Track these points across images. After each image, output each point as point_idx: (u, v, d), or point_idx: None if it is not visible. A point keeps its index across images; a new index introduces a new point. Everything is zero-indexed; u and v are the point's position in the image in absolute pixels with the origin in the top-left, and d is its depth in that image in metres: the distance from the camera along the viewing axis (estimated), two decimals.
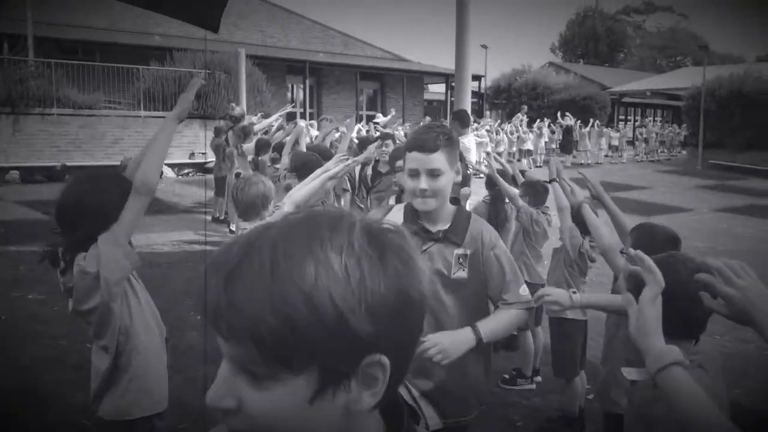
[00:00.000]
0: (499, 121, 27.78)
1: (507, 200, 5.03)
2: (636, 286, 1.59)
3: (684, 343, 1.78)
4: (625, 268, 2.79)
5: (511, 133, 22.64)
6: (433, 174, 2.24)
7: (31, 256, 8.06)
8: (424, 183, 2.24)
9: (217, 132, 11.26)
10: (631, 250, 1.65)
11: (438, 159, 2.24)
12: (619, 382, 2.58)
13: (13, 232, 9.40)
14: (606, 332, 3.29)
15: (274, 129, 9.33)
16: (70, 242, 2.29)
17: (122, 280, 2.33)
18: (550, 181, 3.76)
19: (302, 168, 4.40)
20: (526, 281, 4.86)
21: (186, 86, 2.58)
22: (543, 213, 4.76)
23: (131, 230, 2.34)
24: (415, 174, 2.27)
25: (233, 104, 12.24)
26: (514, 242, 4.92)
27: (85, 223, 2.27)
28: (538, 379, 4.85)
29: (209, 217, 11.20)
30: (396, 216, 2.45)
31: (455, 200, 2.51)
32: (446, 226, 2.36)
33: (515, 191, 4.80)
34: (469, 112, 7.65)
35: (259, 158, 7.56)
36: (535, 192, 4.71)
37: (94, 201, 2.30)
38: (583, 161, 24.62)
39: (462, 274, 2.32)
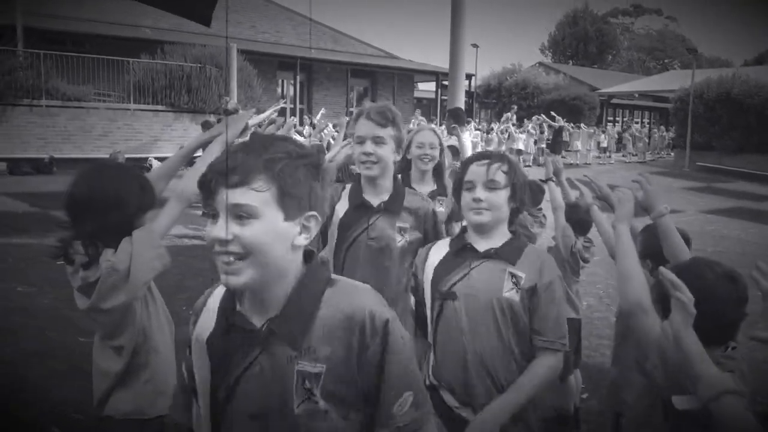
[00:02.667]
0: (484, 123, 27.88)
1: None
2: (660, 298, 1.58)
3: (714, 349, 1.75)
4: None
5: (502, 133, 22.71)
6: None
7: (19, 249, 8.02)
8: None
9: (206, 126, 11.21)
10: (662, 269, 1.62)
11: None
12: (630, 384, 2.56)
13: (1, 224, 9.30)
14: (616, 332, 3.28)
15: (266, 124, 9.28)
16: (88, 234, 2.18)
17: (150, 280, 2.29)
18: (546, 180, 3.76)
19: None
20: None
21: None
22: (533, 215, 4.73)
23: (165, 233, 2.33)
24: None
25: (227, 98, 12.19)
26: None
27: (102, 214, 2.18)
28: None
29: (200, 212, 11.15)
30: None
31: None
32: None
33: None
34: (463, 110, 7.66)
35: None
36: (531, 192, 4.67)
37: (111, 191, 2.22)
38: (572, 161, 24.73)
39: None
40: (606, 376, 3.70)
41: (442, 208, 3.35)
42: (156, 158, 15.02)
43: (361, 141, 2.63)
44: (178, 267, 7.64)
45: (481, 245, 2.16)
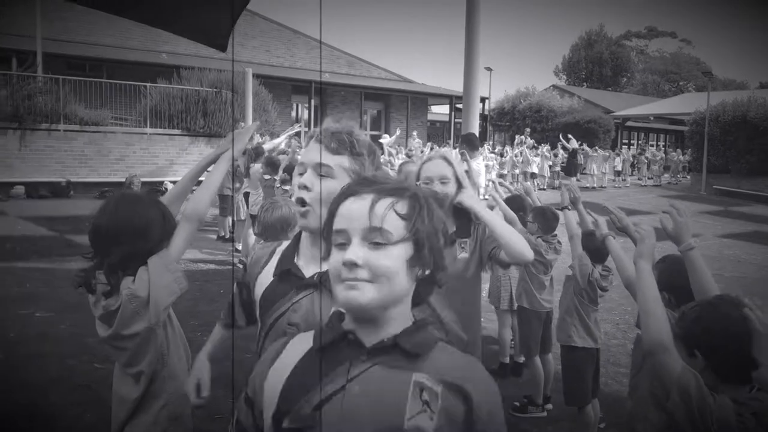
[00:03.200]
0: (498, 146, 27.92)
1: None
2: (683, 334, 1.56)
3: (740, 388, 1.73)
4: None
5: (516, 156, 22.74)
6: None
7: (38, 273, 8.08)
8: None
9: None
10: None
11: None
12: (647, 418, 2.52)
13: (20, 248, 9.38)
14: (633, 362, 3.23)
15: (278, 150, 9.39)
16: (112, 264, 2.22)
17: (171, 304, 2.32)
18: (562, 209, 3.75)
19: None
20: (524, 307, 4.81)
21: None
22: (547, 241, 4.70)
23: (180, 256, 2.34)
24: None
25: (242, 123, 12.27)
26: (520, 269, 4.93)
27: (127, 244, 2.22)
28: (549, 406, 4.81)
29: (215, 236, 11.21)
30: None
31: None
32: None
33: (514, 215, 4.76)
34: (477, 134, 7.65)
35: (264, 176, 7.60)
36: (545, 219, 4.66)
37: (136, 221, 2.26)
38: (588, 185, 24.67)
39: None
40: (623, 405, 3.64)
41: (465, 254, 2.83)
42: (171, 182, 15.15)
43: (301, 171, 1.80)
44: (192, 292, 7.61)
45: (369, 337, 1.27)
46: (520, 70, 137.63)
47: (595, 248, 3.72)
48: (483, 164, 7.57)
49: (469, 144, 6.80)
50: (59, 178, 15.78)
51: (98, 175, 16.36)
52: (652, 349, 1.86)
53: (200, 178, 2.61)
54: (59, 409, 4.33)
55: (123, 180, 16.05)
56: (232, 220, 10.60)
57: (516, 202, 5.16)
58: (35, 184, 15.52)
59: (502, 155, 22.37)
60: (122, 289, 2.22)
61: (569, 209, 3.60)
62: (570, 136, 24.93)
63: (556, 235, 4.68)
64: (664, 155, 30.48)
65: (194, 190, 2.53)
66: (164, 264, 2.26)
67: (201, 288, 7.85)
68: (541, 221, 4.66)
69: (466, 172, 5.50)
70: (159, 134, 17.76)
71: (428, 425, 1.16)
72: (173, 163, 17.71)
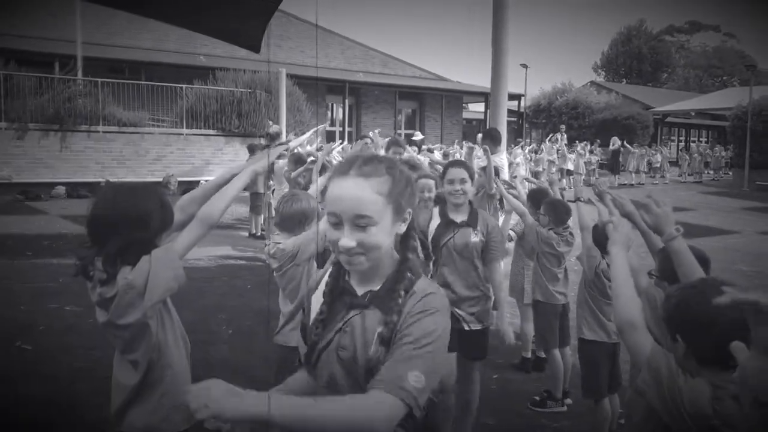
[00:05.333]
0: (534, 143, 27.68)
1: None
2: (666, 316, 1.55)
3: (722, 373, 1.71)
4: (647, 290, 2.70)
5: (550, 153, 22.54)
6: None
7: (71, 269, 8.25)
8: None
9: (251, 149, 11.50)
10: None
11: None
12: (636, 406, 2.47)
13: (56, 246, 9.65)
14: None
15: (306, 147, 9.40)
16: (109, 253, 2.22)
17: (164, 299, 2.33)
18: (575, 201, 3.72)
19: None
20: (539, 300, 4.84)
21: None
22: (558, 233, 4.67)
23: (185, 254, 2.35)
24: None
25: (270, 122, 12.38)
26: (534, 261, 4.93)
27: (125, 234, 2.23)
28: (569, 401, 4.75)
29: (246, 234, 11.36)
30: None
31: None
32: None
33: (524, 209, 4.79)
34: (505, 131, 7.60)
35: (290, 172, 7.62)
36: (556, 211, 4.63)
37: (133, 209, 2.27)
38: (626, 182, 24.34)
39: None
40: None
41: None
42: (207, 181, 15.35)
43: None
44: (221, 287, 7.77)
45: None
46: (558, 66, 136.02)
47: (604, 240, 3.67)
48: (506, 160, 7.51)
49: (492, 139, 6.76)
50: (98, 179, 16.17)
51: (136, 175, 16.70)
52: (622, 328, 1.88)
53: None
54: (85, 399, 4.44)
55: (160, 180, 16.40)
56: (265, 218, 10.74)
57: (538, 195, 5.17)
58: (75, 184, 15.93)
59: (536, 152, 22.13)
60: (119, 278, 2.22)
61: (582, 200, 3.57)
62: (615, 138, 24.69)
63: (568, 227, 4.63)
64: (704, 151, 29.79)
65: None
66: (168, 258, 2.26)
67: (229, 283, 7.97)
68: (552, 214, 4.63)
69: (484, 168, 5.52)
70: (195, 135, 18.05)
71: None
72: (209, 162, 17.98)
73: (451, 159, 11.27)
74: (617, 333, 4.01)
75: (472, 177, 3.93)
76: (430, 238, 3.81)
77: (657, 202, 2.32)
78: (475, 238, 3.78)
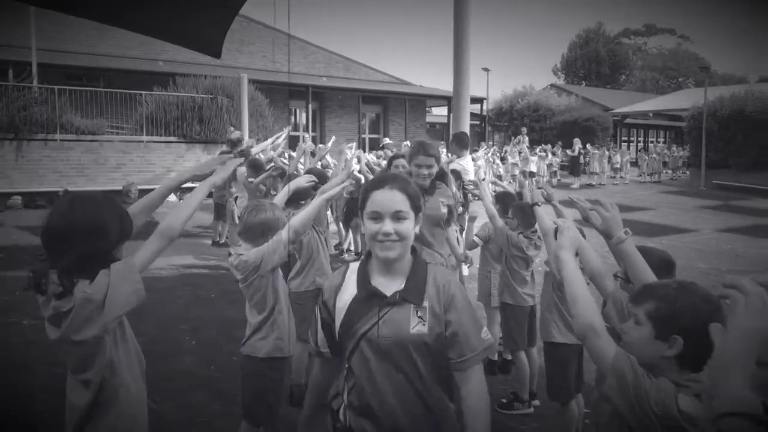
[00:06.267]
0: (493, 146, 28.01)
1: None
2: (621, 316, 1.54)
3: (682, 372, 1.72)
4: (613, 293, 2.72)
5: (518, 154, 22.85)
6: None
7: (27, 282, 8.02)
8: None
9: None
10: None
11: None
12: (601, 411, 2.50)
13: (12, 258, 9.39)
14: None
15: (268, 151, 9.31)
16: (65, 265, 2.16)
17: (123, 314, 2.26)
18: (532, 205, 3.75)
19: (294, 196, 4.39)
20: (508, 303, 4.89)
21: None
22: (527, 237, 4.72)
23: (145, 268, 2.28)
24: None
25: (231, 128, 12.26)
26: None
27: (81, 245, 2.16)
28: (536, 403, 4.78)
29: (209, 241, 11.21)
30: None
31: None
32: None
33: (494, 210, 4.82)
34: (468, 134, 7.65)
35: (248, 179, 7.56)
36: (524, 214, 4.67)
37: (89, 220, 2.20)
38: (590, 182, 24.74)
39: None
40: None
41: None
42: (154, 190, 15.12)
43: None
44: (184, 297, 7.64)
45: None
46: (519, 70, 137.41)
47: None
48: (472, 163, 7.57)
49: (459, 142, 6.81)
50: (56, 188, 15.80)
51: (95, 183, 16.37)
52: (583, 334, 1.84)
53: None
54: (48, 418, 4.31)
55: (120, 188, 16.12)
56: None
57: (507, 198, 5.23)
58: (32, 194, 15.56)
59: (503, 159, 22.45)
60: (76, 292, 2.15)
61: (539, 205, 3.60)
62: (577, 139, 25.08)
63: (536, 231, 4.67)
64: (668, 150, 30.41)
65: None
66: (127, 272, 2.20)
67: (193, 292, 7.85)
68: (520, 217, 4.68)
69: (453, 171, 5.61)
70: (155, 142, 17.77)
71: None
72: (170, 170, 17.72)
73: None
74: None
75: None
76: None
77: (605, 206, 2.36)
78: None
